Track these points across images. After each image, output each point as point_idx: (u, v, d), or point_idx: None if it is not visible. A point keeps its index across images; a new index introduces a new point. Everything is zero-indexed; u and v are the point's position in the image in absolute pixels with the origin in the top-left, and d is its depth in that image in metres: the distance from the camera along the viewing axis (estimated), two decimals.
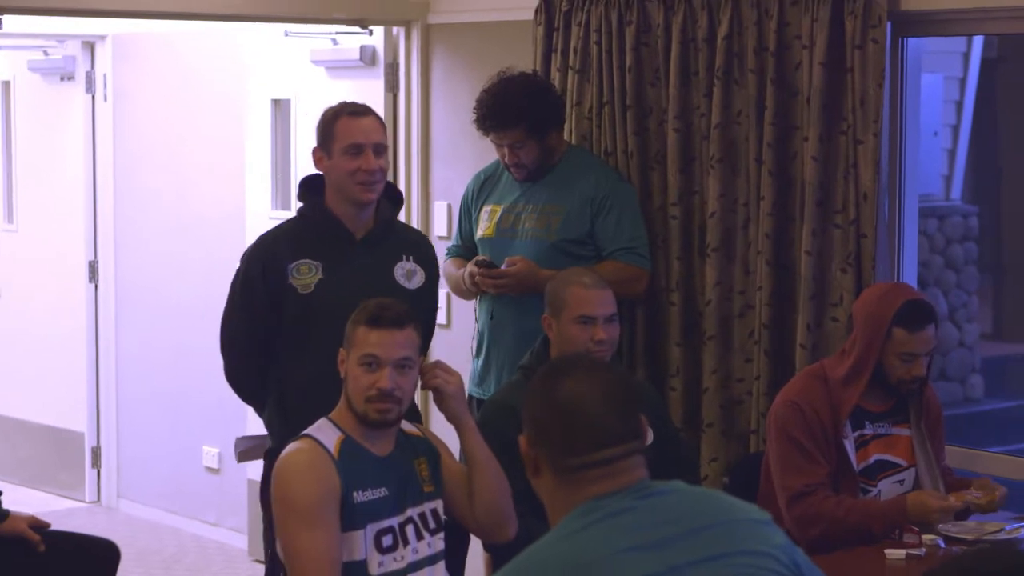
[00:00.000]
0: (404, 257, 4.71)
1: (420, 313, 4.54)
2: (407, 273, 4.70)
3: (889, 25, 4.97)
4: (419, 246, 4.82)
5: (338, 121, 4.65)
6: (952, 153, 10.65)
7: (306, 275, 4.59)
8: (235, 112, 7.50)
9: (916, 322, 4.53)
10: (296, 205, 4.84)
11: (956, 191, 10.79)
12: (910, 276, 5.20)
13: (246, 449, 4.89)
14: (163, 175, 7.97)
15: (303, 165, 6.96)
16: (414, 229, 4.93)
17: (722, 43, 5.25)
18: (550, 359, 4.55)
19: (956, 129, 10.66)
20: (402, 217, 6.46)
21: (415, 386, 3.98)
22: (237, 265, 4.75)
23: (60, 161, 8.50)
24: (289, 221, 4.80)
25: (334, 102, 4.76)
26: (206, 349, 7.58)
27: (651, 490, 2.60)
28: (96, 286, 8.36)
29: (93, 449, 8.43)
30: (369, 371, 3.87)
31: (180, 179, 7.89)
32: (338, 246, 4.63)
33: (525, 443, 2.65)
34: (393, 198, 4.82)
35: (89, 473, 8.44)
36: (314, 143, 4.73)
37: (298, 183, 4.80)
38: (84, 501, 8.43)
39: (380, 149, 4.63)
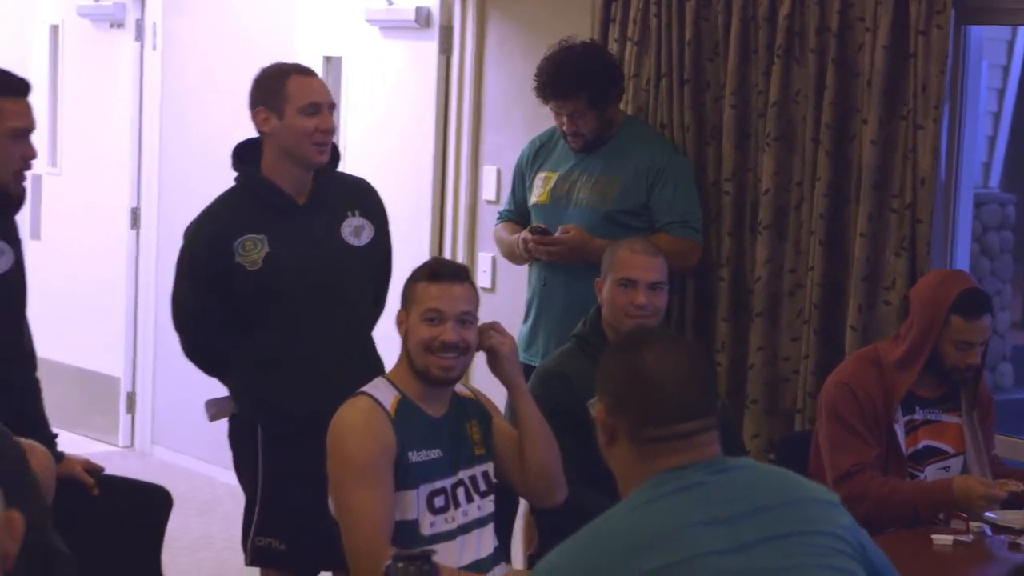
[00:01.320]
0: (349, 213, 4.59)
1: (371, 270, 4.56)
2: (355, 230, 4.58)
3: (953, 12, 4.97)
4: (362, 198, 4.66)
5: (289, 80, 4.48)
6: (992, 141, 10.62)
7: (252, 251, 4.45)
8: None
9: (974, 311, 4.55)
10: (227, 176, 4.66)
11: (995, 179, 10.75)
12: (962, 262, 5.21)
13: (218, 411, 4.90)
14: (209, 126, 7.98)
15: (352, 122, 6.99)
16: (353, 178, 4.74)
17: (783, 21, 5.25)
18: (621, 329, 4.58)
19: (997, 116, 10.62)
20: (450, 180, 6.51)
21: (476, 343, 3.99)
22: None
23: (106, 107, 8.52)
24: (227, 193, 4.61)
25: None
26: None
27: (723, 465, 2.63)
28: (138, 233, 8.39)
29: (128, 394, 8.48)
30: (432, 325, 3.88)
31: (226, 131, 7.85)
32: (280, 215, 4.49)
33: (603, 411, 2.68)
34: (332, 154, 4.63)
35: (124, 418, 8.49)
36: (254, 104, 4.53)
37: (232, 151, 4.61)
38: (117, 446, 8.48)
39: (331, 109, 4.53)
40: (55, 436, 4.27)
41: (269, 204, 4.51)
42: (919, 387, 4.61)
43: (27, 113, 4.13)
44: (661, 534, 2.51)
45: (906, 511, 4.43)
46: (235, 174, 4.63)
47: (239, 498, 7.50)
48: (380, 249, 4.67)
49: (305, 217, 4.52)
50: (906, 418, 4.59)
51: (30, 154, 4.14)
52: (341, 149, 7.02)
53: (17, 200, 4.19)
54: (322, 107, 4.48)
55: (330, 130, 4.49)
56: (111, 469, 4.34)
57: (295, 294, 4.47)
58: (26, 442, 3.72)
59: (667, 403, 2.62)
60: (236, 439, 4.66)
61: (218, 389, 4.79)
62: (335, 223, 4.56)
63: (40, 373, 4.33)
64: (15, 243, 4.22)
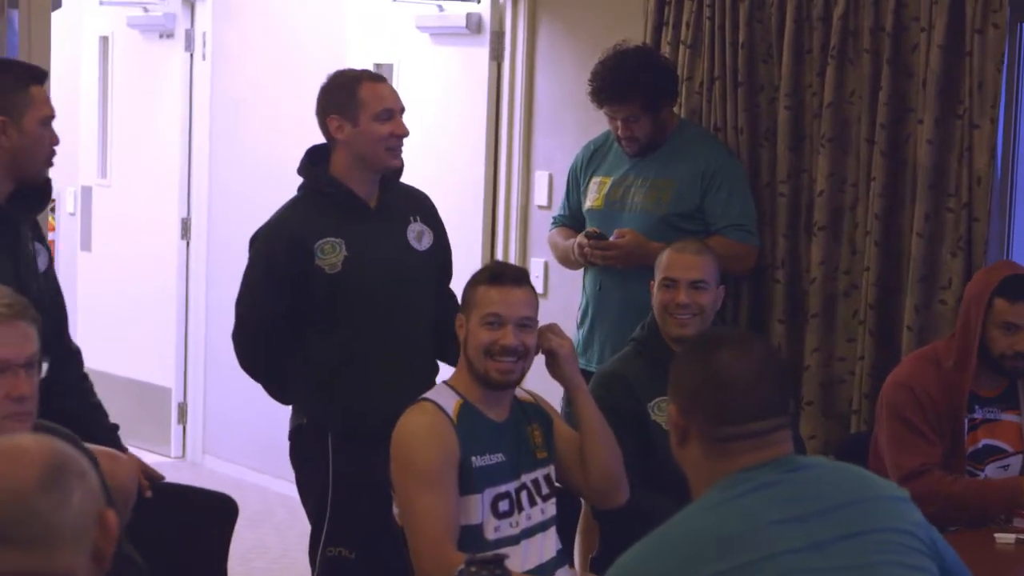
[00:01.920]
0: (412, 219, 4.62)
1: (433, 274, 4.58)
2: (417, 235, 4.61)
3: (1008, 10, 4.96)
4: (422, 205, 4.69)
5: (361, 86, 4.50)
6: None
7: (331, 254, 4.46)
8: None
9: (1017, 292, 4.54)
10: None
11: None
12: (1021, 260, 5.18)
13: None
14: (259, 136, 8.01)
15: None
16: (412, 187, 4.76)
17: (837, 22, 5.25)
18: (668, 331, 4.59)
19: None
20: (501, 185, 6.52)
21: (535, 347, 3.99)
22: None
23: (156, 118, 8.56)
24: (297, 198, 4.60)
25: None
26: None
27: (797, 464, 2.63)
28: (188, 243, 8.43)
29: (180, 405, 8.51)
30: (492, 329, 3.89)
31: (276, 141, 7.92)
32: (356, 219, 4.50)
33: (675, 412, 2.68)
34: None
35: (175, 429, 8.53)
36: (325, 112, 4.54)
37: (304, 155, 4.61)
38: (169, 456, 8.51)
39: (402, 112, 4.55)
40: (116, 428, 4.29)
41: (344, 207, 4.51)
42: (978, 386, 4.60)
43: (49, 100, 4.16)
44: (737, 534, 2.51)
45: (975, 508, 4.42)
46: (299, 181, 4.63)
47: (291, 507, 7.61)
48: (441, 253, 4.69)
49: (377, 221, 4.55)
50: (967, 416, 4.58)
51: (56, 140, 4.16)
52: None
53: (47, 194, 4.21)
54: (395, 112, 4.52)
55: (404, 135, 4.53)
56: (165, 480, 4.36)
57: (370, 298, 4.48)
58: (108, 451, 3.75)
59: (741, 402, 2.62)
60: (302, 450, 4.63)
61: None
62: (402, 228, 4.59)
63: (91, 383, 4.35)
64: (45, 243, 4.25)
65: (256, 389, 8.23)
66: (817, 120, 5.35)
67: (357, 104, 4.49)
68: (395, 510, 3.91)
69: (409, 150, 6.97)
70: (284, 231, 4.52)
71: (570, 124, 6.24)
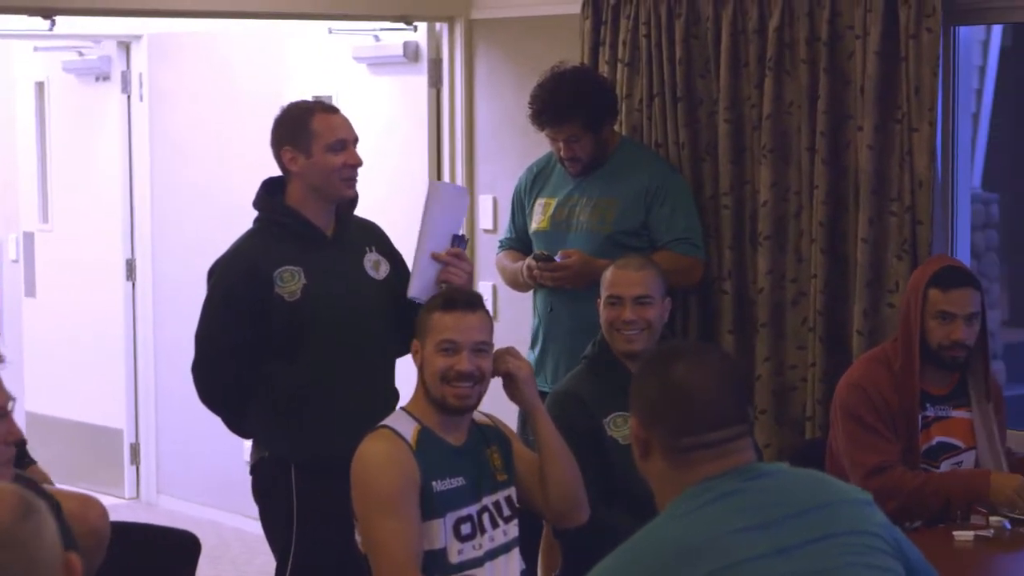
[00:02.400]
0: (368, 249, 4.62)
1: (390, 304, 4.56)
2: (374, 264, 4.61)
3: (941, 14, 4.99)
4: (376, 236, 4.69)
5: (314, 118, 4.50)
6: (973, 141, 10.66)
7: (290, 282, 4.45)
8: (275, 111, 7.49)
9: (950, 281, 4.59)
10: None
11: (976, 179, 10.80)
12: (964, 260, 5.21)
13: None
14: (201, 174, 7.98)
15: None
16: (366, 220, 4.76)
17: (773, 34, 5.28)
18: (616, 348, 4.61)
19: (976, 117, 10.68)
20: None
21: (491, 370, 3.99)
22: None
23: (95, 161, 8.52)
24: (254, 229, 4.60)
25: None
26: None
27: (759, 471, 2.64)
28: (134, 284, 8.38)
29: (132, 446, 8.45)
30: (447, 355, 3.89)
31: (218, 178, 7.90)
32: (313, 248, 4.50)
33: (637, 426, 2.68)
34: None
35: (128, 470, 8.47)
36: (279, 144, 4.54)
37: (261, 187, 4.61)
38: (123, 497, 8.45)
39: (356, 143, 4.56)
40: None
41: (302, 237, 4.51)
42: (928, 384, 4.63)
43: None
44: (704, 543, 2.51)
45: (938, 503, 4.45)
46: (243, 216, 4.62)
47: (248, 542, 7.58)
48: (401, 282, 4.63)
49: (334, 250, 4.54)
50: (920, 415, 4.60)
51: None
52: None
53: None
54: (348, 143, 4.51)
55: (357, 164, 4.52)
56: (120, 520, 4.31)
57: (329, 326, 4.46)
58: (78, 494, 3.72)
59: (700, 412, 2.62)
60: (264, 484, 4.59)
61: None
62: (358, 258, 4.59)
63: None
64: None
65: (208, 425, 8.18)
66: (757, 132, 5.37)
67: (310, 135, 4.49)
68: (357, 538, 3.90)
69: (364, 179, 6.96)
70: (242, 261, 4.51)
71: (512, 147, 6.25)
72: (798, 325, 5.35)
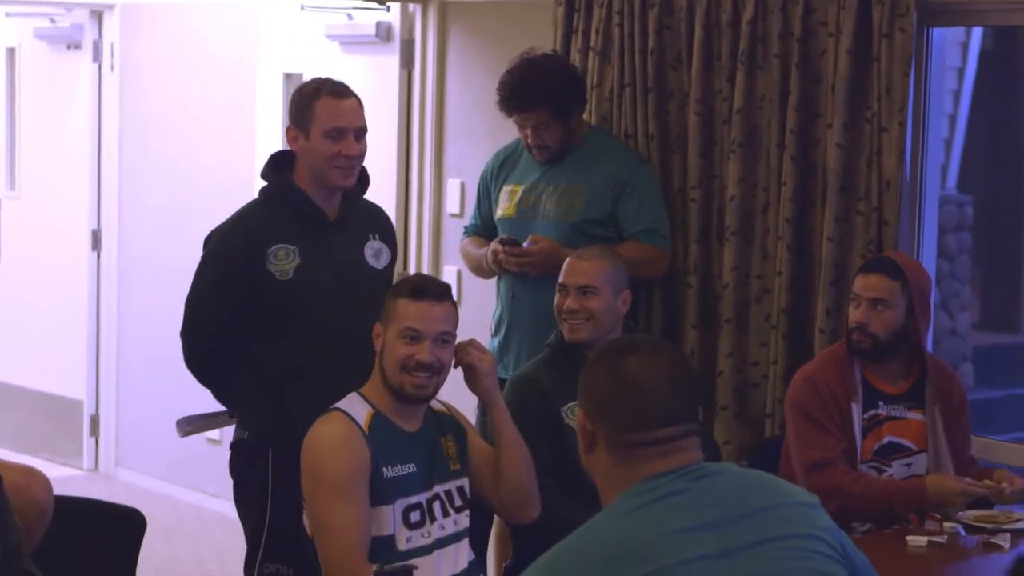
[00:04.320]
0: (371, 236, 4.59)
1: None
2: (375, 252, 4.58)
3: (915, 14, 4.98)
4: (382, 223, 4.69)
5: (319, 100, 4.45)
6: (949, 143, 10.66)
7: (284, 261, 4.43)
8: (246, 85, 7.48)
9: (867, 266, 4.69)
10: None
11: (951, 180, 10.80)
12: (929, 263, 5.22)
13: (189, 428, 4.84)
14: (170, 146, 7.94)
15: None
16: (374, 205, 4.75)
17: (746, 27, 5.25)
18: (566, 338, 4.63)
19: (953, 118, 10.67)
20: (413, 193, 6.49)
21: (452, 362, 3.98)
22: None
23: (64, 129, 8.47)
24: (256, 202, 4.59)
25: (346, 78, 4.55)
26: None
27: (704, 471, 2.62)
28: (99, 254, 8.34)
29: (92, 417, 8.42)
30: (409, 344, 3.87)
31: (187, 150, 7.87)
32: (313, 228, 4.47)
33: (583, 417, 2.66)
34: (360, 177, 4.62)
35: (87, 441, 8.43)
36: (289, 120, 4.54)
37: (268, 160, 4.59)
38: (82, 469, 8.42)
39: (361, 133, 4.49)
40: None
41: (302, 216, 4.48)
42: (883, 381, 4.65)
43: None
44: (644, 543, 2.50)
45: (879, 508, 4.45)
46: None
47: (204, 519, 7.55)
48: (394, 272, 4.66)
49: (335, 234, 4.51)
50: (869, 413, 4.62)
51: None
52: None
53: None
54: (347, 132, 4.45)
55: (353, 156, 4.46)
56: (74, 492, 4.28)
57: (319, 310, 4.42)
58: (22, 466, 3.68)
59: (647, 408, 2.60)
60: (241, 464, 4.59)
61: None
62: (359, 243, 4.56)
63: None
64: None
65: (169, 399, 8.20)
66: (727, 126, 5.35)
67: (311, 118, 4.45)
68: (305, 521, 3.89)
69: None
70: (238, 232, 4.49)
71: (481, 131, 6.22)
72: (761, 321, 5.34)
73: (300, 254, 4.44)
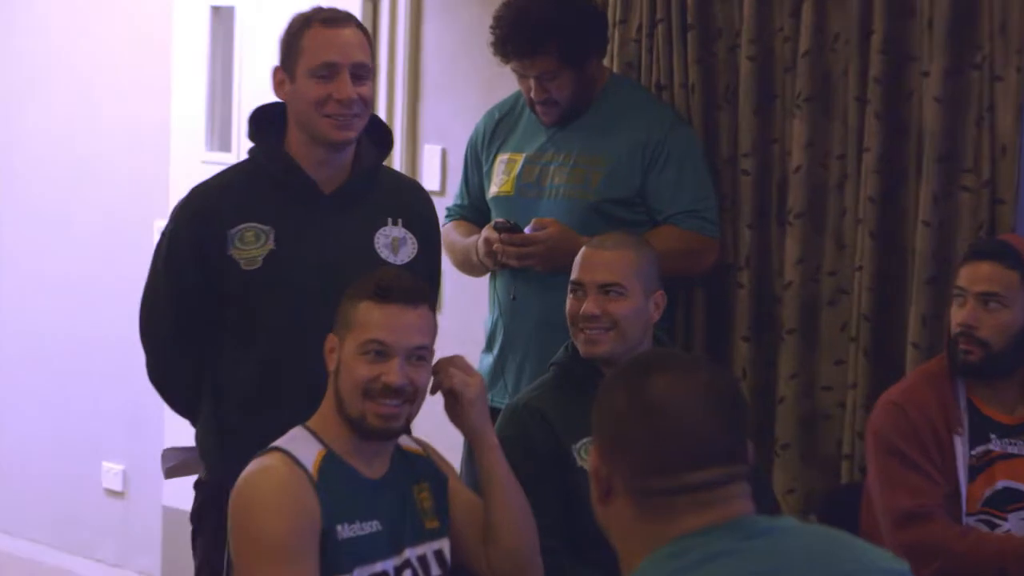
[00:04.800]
0: (390, 220, 4.59)
1: None
2: (393, 243, 4.58)
3: None
4: (411, 203, 4.68)
5: (307, 31, 4.49)
6: None
7: (252, 245, 4.46)
8: (159, 24, 7.49)
9: (975, 252, 4.69)
10: (245, 146, 4.71)
11: None
12: None
13: (176, 464, 4.87)
14: (59, 109, 7.95)
15: (249, 95, 6.98)
16: (406, 178, 4.79)
17: None
18: (581, 351, 4.63)
19: None
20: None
21: (428, 386, 3.99)
22: (164, 223, 4.64)
23: None
24: (235, 168, 4.66)
25: (296, 11, 4.58)
26: (107, 339, 7.62)
27: (757, 528, 2.63)
28: None
29: None
30: (373, 361, 3.88)
31: (82, 114, 7.87)
32: (298, 204, 4.50)
33: (596, 457, 2.67)
34: (380, 140, 4.69)
35: None
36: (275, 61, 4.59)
37: (249, 115, 4.65)
38: None
39: (361, 71, 4.49)
40: None
41: (285, 188, 4.51)
42: (995, 407, 4.66)
43: None
44: None
45: (991, 573, 4.47)
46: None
47: None
48: (423, 271, 4.58)
49: (329, 213, 4.52)
50: (978, 449, 4.63)
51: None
52: (233, 119, 7.06)
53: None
54: (340, 69, 4.46)
55: (348, 100, 4.45)
56: None
57: (298, 309, 4.42)
58: None
59: (678, 444, 2.62)
60: (198, 514, 4.63)
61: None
62: (368, 228, 4.56)
63: None
64: None
65: (58, 443, 8.21)
66: (790, 74, 5.38)
67: (297, 53, 4.50)
68: None
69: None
70: (197, 208, 4.54)
71: (469, 84, 6.26)
72: (836, 333, 5.36)
73: (275, 237, 4.46)
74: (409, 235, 4.61)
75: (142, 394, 7.34)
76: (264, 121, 4.60)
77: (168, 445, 6.20)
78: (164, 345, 4.61)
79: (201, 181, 4.64)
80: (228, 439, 4.51)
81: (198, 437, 4.66)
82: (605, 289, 4.61)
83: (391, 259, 4.54)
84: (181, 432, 4.87)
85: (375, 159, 4.63)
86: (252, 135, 4.61)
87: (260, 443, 4.25)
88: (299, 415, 4.20)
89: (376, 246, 4.56)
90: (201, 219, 4.49)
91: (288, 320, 4.44)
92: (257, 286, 4.44)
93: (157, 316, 4.60)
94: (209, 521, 4.54)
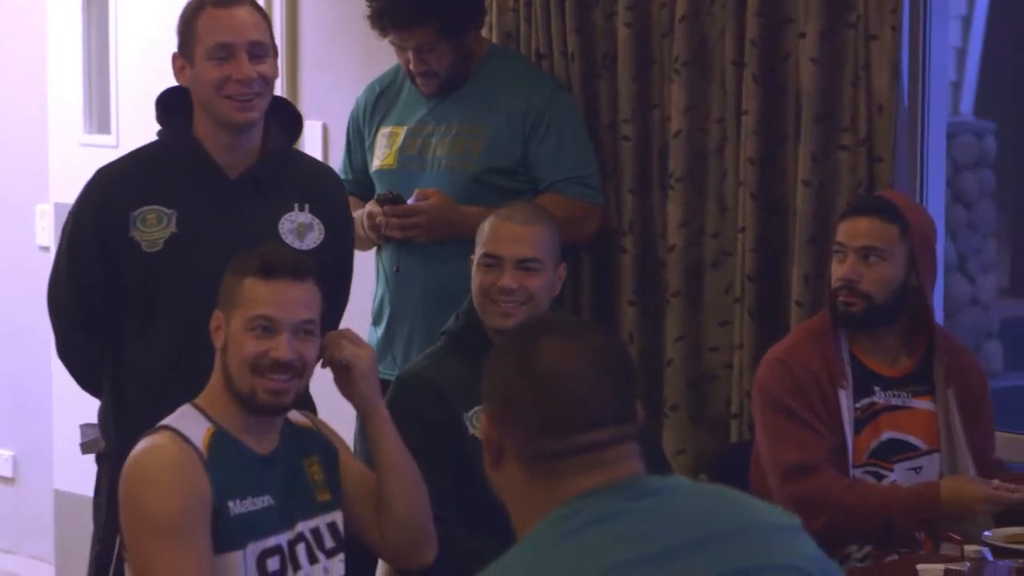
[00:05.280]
0: (296, 206, 4.58)
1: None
2: (298, 228, 4.56)
3: None
4: (320, 189, 4.67)
5: (200, 14, 4.49)
6: (962, 53, 10.71)
7: (154, 227, 4.44)
8: (34, 4, 7.44)
9: (853, 207, 4.74)
10: (125, 128, 4.69)
11: (966, 103, 10.86)
12: (937, 211, 5.27)
13: (93, 439, 4.85)
14: None
15: (127, 76, 6.95)
16: (316, 163, 4.81)
17: None
18: (489, 323, 4.64)
19: (967, 21, 10.71)
20: None
21: (316, 361, 3.99)
22: (46, 207, 4.64)
23: None
24: (142, 151, 4.65)
25: None
26: None
27: (646, 488, 2.63)
28: None
29: None
30: (261, 337, 3.87)
31: None
32: (203, 188, 4.49)
33: (487, 423, 2.67)
34: (288, 122, 4.67)
35: None
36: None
37: (156, 98, 4.63)
38: None
39: (259, 50, 4.48)
40: None
41: (190, 171, 4.50)
42: (878, 360, 4.70)
43: None
44: None
45: (878, 523, 4.50)
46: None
47: None
48: (332, 259, 4.59)
49: (234, 197, 4.50)
50: (862, 402, 4.67)
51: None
52: (111, 102, 7.02)
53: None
54: (237, 49, 4.44)
55: (246, 79, 4.44)
56: None
57: (196, 298, 4.36)
58: None
59: (567, 408, 2.61)
60: (98, 486, 4.62)
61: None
62: (273, 214, 4.54)
63: None
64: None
65: None
66: (668, 39, 5.40)
67: (194, 38, 4.49)
68: (127, 574, 3.89)
69: (130, 90, 6.92)
70: (99, 189, 4.53)
71: (349, 58, 6.26)
72: (721, 294, 5.39)
73: (178, 220, 4.45)
74: (316, 221, 4.60)
75: (29, 379, 7.37)
76: (172, 104, 4.60)
77: (57, 429, 6.21)
78: (70, 327, 4.62)
79: (107, 164, 4.64)
80: (128, 420, 4.49)
81: (100, 417, 4.66)
82: (524, 264, 4.62)
83: (296, 244, 4.53)
84: (71, 416, 4.85)
85: (283, 143, 4.63)
86: (160, 118, 4.61)
87: (157, 418, 4.28)
88: (196, 390, 4.20)
89: (281, 231, 4.55)
90: (105, 203, 4.50)
91: (189, 304, 4.42)
92: (158, 269, 4.45)
93: (62, 299, 4.60)
94: (110, 492, 4.46)
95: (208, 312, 4.28)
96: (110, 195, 4.51)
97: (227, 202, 4.51)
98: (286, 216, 4.56)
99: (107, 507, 4.48)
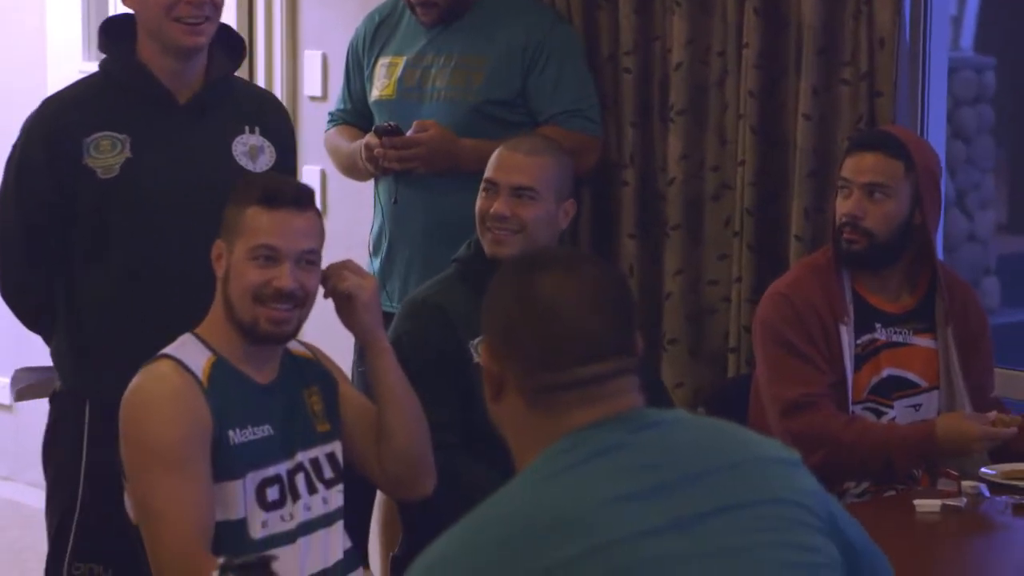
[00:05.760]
0: (246, 128, 4.57)
1: None
2: (251, 150, 4.55)
3: None
4: (266, 112, 4.67)
5: None
6: None
7: (108, 153, 4.41)
8: None
9: (858, 142, 4.73)
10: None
11: (967, 38, 10.84)
12: (937, 145, 5.25)
13: (29, 385, 4.84)
14: None
15: None
16: (259, 88, 4.82)
17: None
18: (488, 251, 4.65)
19: None
20: (260, 70, 6.47)
21: (317, 290, 3.99)
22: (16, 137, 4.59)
23: None
24: (87, 80, 4.63)
25: None
26: None
27: (646, 421, 2.64)
28: None
29: None
30: (263, 267, 3.87)
31: None
32: (153, 113, 4.47)
33: (487, 355, 2.68)
34: (231, 48, 4.64)
35: None
36: None
37: (99, 26, 4.61)
38: None
39: None
40: None
41: (139, 97, 4.47)
42: (880, 296, 4.71)
43: None
44: (573, 515, 2.51)
45: (876, 461, 4.51)
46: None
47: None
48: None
49: (185, 121, 4.49)
50: (863, 338, 4.67)
51: None
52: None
53: None
54: None
55: (199, 2, 4.40)
56: None
57: (153, 222, 4.40)
58: None
59: (567, 341, 2.62)
60: (52, 428, 4.59)
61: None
62: (225, 136, 4.53)
63: None
64: None
65: None
66: None
67: None
68: (127, 503, 3.90)
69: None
70: (49, 117, 4.49)
71: None
72: (720, 228, 5.39)
73: (131, 146, 4.43)
74: (267, 143, 4.60)
75: None
76: (114, 32, 4.57)
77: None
78: (15, 261, 4.57)
79: (53, 93, 4.62)
80: (86, 353, 4.49)
81: (53, 353, 4.62)
82: (518, 192, 4.62)
83: (249, 166, 4.54)
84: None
85: (228, 68, 4.60)
86: (103, 46, 4.57)
87: (120, 354, 4.29)
88: (158, 326, 4.21)
89: (234, 153, 4.54)
90: (55, 131, 4.47)
91: (146, 229, 4.43)
92: (114, 195, 4.42)
93: (8, 232, 4.55)
94: (66, 433, 4.52)
95: (164, 236, 4.37)
96: (60, 123, 4.47)
97: (179, 126, 4.49)
98: (238, 139, 4.55)
99: (67, 446, 4.48)
